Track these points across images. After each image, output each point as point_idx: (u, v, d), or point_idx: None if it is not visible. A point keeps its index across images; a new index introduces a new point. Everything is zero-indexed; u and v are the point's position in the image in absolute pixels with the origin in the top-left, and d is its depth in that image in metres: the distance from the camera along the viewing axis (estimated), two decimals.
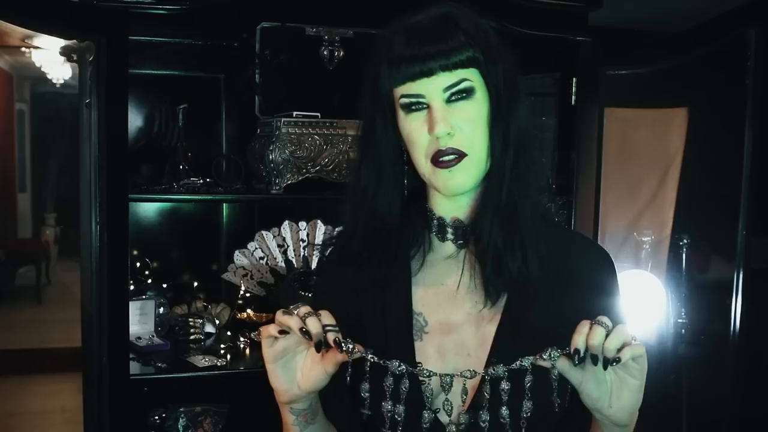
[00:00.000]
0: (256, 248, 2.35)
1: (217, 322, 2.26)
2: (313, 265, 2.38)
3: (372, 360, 0.95)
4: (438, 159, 1.02)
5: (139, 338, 2.09)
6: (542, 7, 2.17)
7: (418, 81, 1.01)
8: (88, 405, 2.03)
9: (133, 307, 2.04)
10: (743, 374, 2.30)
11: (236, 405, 2.28)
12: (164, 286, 2.28)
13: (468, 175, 1.03)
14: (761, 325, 2.39)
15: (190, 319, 2.19)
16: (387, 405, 0.97)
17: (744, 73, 2.19)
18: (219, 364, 2.01)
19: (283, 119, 2.01)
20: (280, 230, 2.36)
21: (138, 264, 2.23)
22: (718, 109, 2.44)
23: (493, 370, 0.94)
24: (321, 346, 0.94)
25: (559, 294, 1.05)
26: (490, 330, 1.05)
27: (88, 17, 1.82)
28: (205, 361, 2.01)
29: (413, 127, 1.04)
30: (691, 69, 2.44)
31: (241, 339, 2.19)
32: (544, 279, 1.04)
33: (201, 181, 2.06)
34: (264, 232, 2.35)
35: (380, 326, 1.08)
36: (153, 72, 2.24)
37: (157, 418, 2.16)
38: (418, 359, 1.04)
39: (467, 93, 1.02)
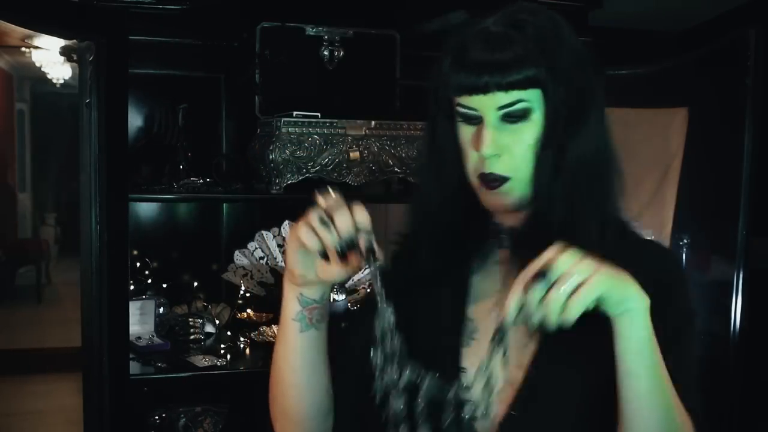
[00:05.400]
0: (256, 248, 2.35)
1: (217, 322, 2.26)
2: None
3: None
4: (483, 180, 0.99)
5: (139, 338, 2.09)
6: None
7: (474, 95, 0.97)
8: (88, 405, 2.03)
9: (133, 307, 2.04)
10: (743, 374, 2.30)
11: (236, 405, 2.28)
12: (164, 286, 2.28)
13: (512, 197, 0.99)
14: (761, 325, 2.39)
15: (190, 319, 2.19)
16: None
17: (744, 73, 2.19)
18: (219, 364, 2.01)
19: (283, 119, 2.01)
20: (280, 230, 2.36)
21: (138, 264, 2.23)
22: (718, 109, 2.44)
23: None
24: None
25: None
26: (534, 342, 1.00)
27: (88, 17, 1.83)
28: (205, 361, 2.01)
29: (465, 139, 1.00)
30: (691, 69, 2.44)
31: (241, 339, 2.19)
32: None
33: (201, 181, 2.06)
34: (264, 232, 2.35)
35: (430, 327, 1.05)
36: (153, 72, 2.24)
37: (157, 418, 2.16)
38: (463, 365, 1.02)
39: (524, 114, 0.96)
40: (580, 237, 0.94)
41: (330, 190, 0.93)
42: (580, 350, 0.94)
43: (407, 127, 2.10)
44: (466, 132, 1.00)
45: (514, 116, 0.96)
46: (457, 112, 1.00)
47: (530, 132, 0.97)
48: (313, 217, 0.92)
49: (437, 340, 1.04)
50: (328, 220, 0.90)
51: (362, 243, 0.90)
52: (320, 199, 0.93)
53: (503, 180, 0.98)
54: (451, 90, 0.99)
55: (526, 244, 0.98)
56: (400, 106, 2.27)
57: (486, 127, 0.97)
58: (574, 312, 0.83)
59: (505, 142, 0.97)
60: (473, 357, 1.02)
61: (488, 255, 1.08)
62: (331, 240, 0.91)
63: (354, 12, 2.17)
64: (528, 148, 0.97)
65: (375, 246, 0.90)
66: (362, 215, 0.91)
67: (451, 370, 1.01)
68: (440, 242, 1.06)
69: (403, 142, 2.10)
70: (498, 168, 0.98)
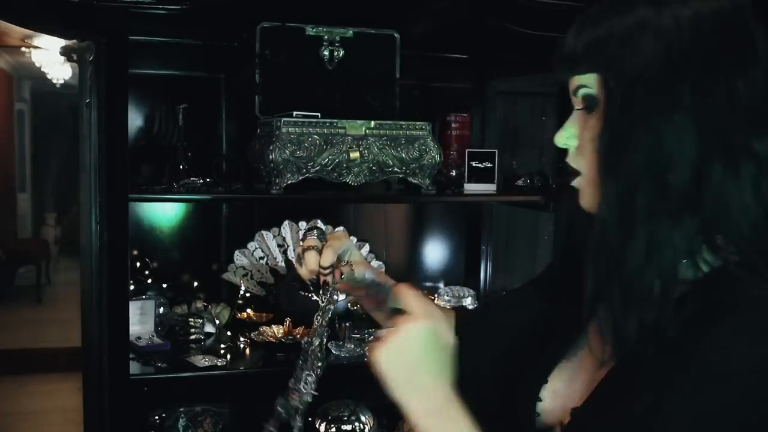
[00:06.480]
0: (256, 248, 2.35)
1: (217, 322, 2.26)
2: None
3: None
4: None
5: (139, 338, 2.09)
6: (542, 7, 2.17)
7: (569, 81, 0.91)
8: (88, 405, 2.03)
9: (133, 307, 2.04)
10: None
11: (236, 405, 2.28)
12: (164, 286, 2.28)
13: (588, 197, 0.90)
14: None
15: (190, 319, 2.19)
16: None
17: None
18: (219, 364, 2.02)
19: (283, 119, 2.01)
20: (280, 230, 2.37)
21: (138, 264, 2.23)
22: None
23: None
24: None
25: (675, 378, 0.79)
26: (590, 387, 0.91)
27: (88, 17, 1.82)
28: (205, 361, 2.01)
29: None
30: None
31: (241, 339, 2.19)
32: (659, 353, 0.81)
33: (201, 181, 2.06)
34: (264, 232, 2.35)
35: (546, 333, 1.02)
36: (153, 72, 2.24)
37: (157, 418, 2.16)
38: (550, 378, 0.98)
39: (589, 102, 0.87)
40: (625, 265, 0.82)
41: (315, 228, 1.08)
42: (631, 408, 0.82)
43: (407, 127, 2.11)
44: None
45: (586, 105, 0.88)
46: None
47: (593, 124, 0.87)
48: (296, 254, 1.08)
49: (542, 353, 1.00)
50: (301, 257, 1.06)
51: (325, 279, 1.04)
52: (305, 237, 1.07)
53: (574, 174, 0.91)
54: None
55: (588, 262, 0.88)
56: (400, 106, 2.27)
57: (571, 117, 0.91)
58: None
59: (575, 133, 0.90)
60: (560, 375, 0.98)
61: None
62: (303, 273, 1.06)
63: (354, 12, 2.16)
64: (591, 142, 0.87)
65: (332, 286, 1.02)
66: (327, 257, 1.02)
67: (537, 377, 0.98)
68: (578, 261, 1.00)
69: (403, 142, 2.10)
70: (569, 158, 0.91)
